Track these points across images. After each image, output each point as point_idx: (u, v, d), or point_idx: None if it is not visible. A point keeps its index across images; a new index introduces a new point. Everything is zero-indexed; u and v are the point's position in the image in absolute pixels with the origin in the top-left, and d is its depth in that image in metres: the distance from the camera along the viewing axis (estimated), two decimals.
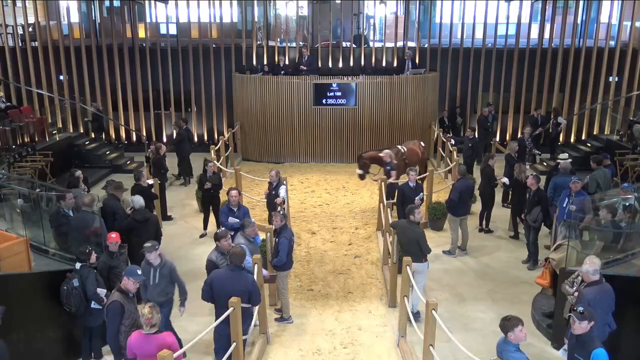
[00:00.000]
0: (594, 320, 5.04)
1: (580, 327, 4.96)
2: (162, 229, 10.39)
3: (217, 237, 6.94)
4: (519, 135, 14.55)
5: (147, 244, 6.63)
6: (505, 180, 10.84)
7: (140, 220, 8.11)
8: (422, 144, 12.91)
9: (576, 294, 6.20)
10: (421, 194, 9.95)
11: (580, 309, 5.01)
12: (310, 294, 8.54)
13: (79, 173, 10.15)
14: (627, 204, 7.94)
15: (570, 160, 10.54)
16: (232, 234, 8.20)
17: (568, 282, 6.41)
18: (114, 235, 7.05)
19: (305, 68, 16.02)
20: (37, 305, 6.53)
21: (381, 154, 11.57)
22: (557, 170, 10.53)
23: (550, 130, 15.58)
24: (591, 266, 5.92)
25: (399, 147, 12.30)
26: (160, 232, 8.67)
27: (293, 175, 14.54)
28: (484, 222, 11.22)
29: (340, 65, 17.41)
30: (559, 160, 10.51)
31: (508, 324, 4.91)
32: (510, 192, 10.99)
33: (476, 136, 14.85)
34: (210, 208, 10.80)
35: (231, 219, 8.42)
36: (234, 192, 8.59)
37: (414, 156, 12.21)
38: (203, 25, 17.24)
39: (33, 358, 6.42)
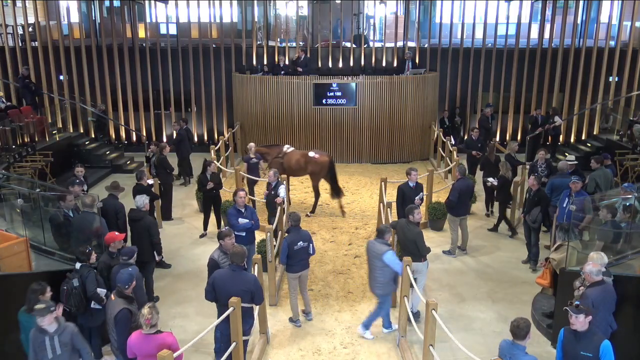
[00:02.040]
0: (591, 315, 5.05)
1: (577, 321, 4.98)
2: (161, 228, 10.44)
3: (220, 236, 6.88)
4: (533, 161, 11.82)
5: (40, 306, 5.21)
6: (493, 180, 10.95)
7: (132, 219, 8.13)
8: (312, 155, 11.87)
9: (582, 288, 6.22)
10: (421, 194, 9.93)
11: (577, 302, 5.03)
12: (310, 294, 8.52)
13: (78, 170, 10.14)
14: (627, 204, 7.94)
15: (576, 162, 10.52)
16: (243, 234, 8.18)
17: (579, 279, 6.43)
18: (116, 233, 7.05)
19: (301, 69, 16.05)
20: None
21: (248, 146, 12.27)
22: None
23: (548, 130, 15.57)
24: (594, 267, 5.93)
25: (285, 147, 12.28)
26: (155, 239, 8.08)
27: None
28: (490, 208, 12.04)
29: (340, 65, 17.42)
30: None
31: (524, 327, 4.87)
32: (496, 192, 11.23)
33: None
34: (211, 208, 10.81)
35: (241, 220, 8.26)
36: (242, 193, 8.38)
37: (292, 162, 11.93)
38: (203, 25, 17.25)
39: None
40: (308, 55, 16.67)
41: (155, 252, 8.12)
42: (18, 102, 16.37)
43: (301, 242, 7.49)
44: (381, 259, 7.04)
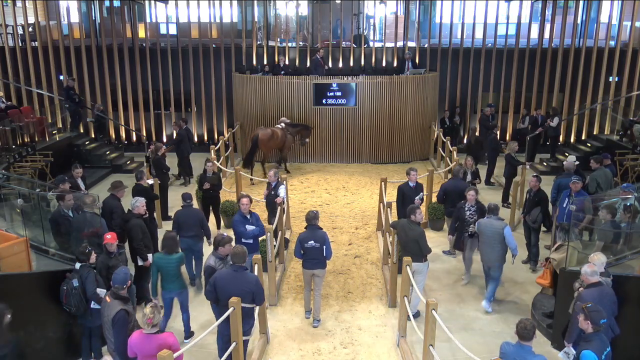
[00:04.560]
0: (589, 318, 5.00)
1: (580, 319, 5.01)
2: (160, 228, 10.43)
3: (219, 243, 6.72)
4: (460, 202, 9.12)
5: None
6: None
7: (123, 220, 8.20)
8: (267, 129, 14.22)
9: (581, 289, 6.21)
10: (421, 194, 9.92)
11: (589, 305, 5.03)
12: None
13: (77, 171, 10.13)
14: (627, 203, 7.94)
15: (577, 162, 10.40)
16: (250, 242, 8.06)
17: (579, 281, 6.43)
18: (109, 236, 7.03)
19: (329, 66, 16.42)
20: (37, 305, 6.53)
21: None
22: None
23: (547, 131, 15.57)
24: (589, 267, 5.90)
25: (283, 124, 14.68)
26: (135, 243, 7.80)
27: (293, 175, 14.55)
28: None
29: (340, 65, 17.42)
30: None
31: (531, 327, 4.85)
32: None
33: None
34: (211, 208, 10.78)
35: (249, 227, 8.10)
36: (245, 200, 8.17)
37: None
38: (203, 25, 17.25)
39: (33, 358, 6.43)
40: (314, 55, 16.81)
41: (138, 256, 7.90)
42: (18, 102, 16.38)
43: (312, 241, 7.47)
44: (502, 234, 7.73)
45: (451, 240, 9.25)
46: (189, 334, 7.48)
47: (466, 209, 8.77)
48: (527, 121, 16.38)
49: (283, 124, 14.65)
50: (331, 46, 17.36)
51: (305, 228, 7.72)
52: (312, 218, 7.63)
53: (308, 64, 17.38)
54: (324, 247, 7.52)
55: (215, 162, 11.39)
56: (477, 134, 15.45)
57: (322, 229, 7.72)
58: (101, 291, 6.41)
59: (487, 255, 8.00)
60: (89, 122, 17.03)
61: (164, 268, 7.11)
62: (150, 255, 7.85)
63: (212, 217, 10.89)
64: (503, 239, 7.78)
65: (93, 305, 6.47)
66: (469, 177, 10.86)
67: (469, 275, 9.00)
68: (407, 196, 9.68)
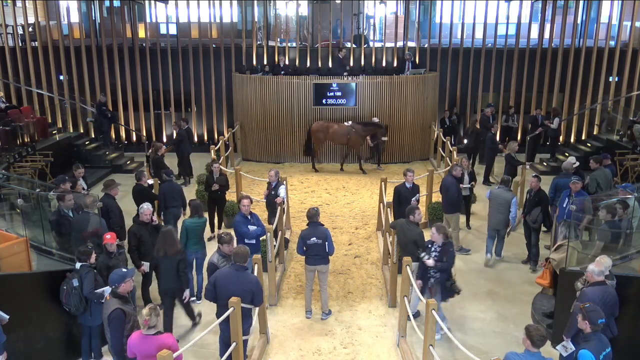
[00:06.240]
0: (587, 318, 5.02)
1: (578, 319, 5.01)
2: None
3: (222, 241, 6.83)
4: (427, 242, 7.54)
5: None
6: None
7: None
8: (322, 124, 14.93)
9: (580, 285, 6.22)
10: (417, 195, 9.90)
11: (587, 305, 5.03)
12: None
13: (79, 171, 10.13)
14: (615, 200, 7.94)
15: (577, 164, 10.27)
16: (253, 242, 8.05)
17: (581, 280, 6.43)
18: (108, 236, 7.02)
19: (348, 68, 16.65)
20: (37, 305, 6.53)
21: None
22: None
23: (548, 131, 15.58)
24: (597, 266, 5.91)
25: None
26: (130, 253, 7.78)
27: (293, 175, 14.54)
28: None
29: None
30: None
31: (546, 334, 4.84)
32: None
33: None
34: (216, 209, 10.74)
35: (251, 227, 8.11)
36: (246, 201, 8.20)
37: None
38: (203, 25, 17.25)
39: (33, 358, 6.43)
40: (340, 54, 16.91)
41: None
42: (18, 102, 16.38)
43: (314, 238, 7.57)
44: (510, 202, 9.15)
45: (419, 286, 7.18)
46: (202, 294, 7.91)
47: (432, 249, 7.18)
48: (515, 119, 16.63)
49: (350, 122, 15.01)
50: (331, 46, 17.36)
51: (307, 225, 7.77)
52: (313, 215, 7.73)
53: (308, 64, 17.40)
54: (326, 243, 7.62)
55: (218, 163, 11.35)
56: (477, 126, 15.61)
57: (323, 225, 7.81)
58: (107, 289, 6.37)
59: (496, 219, 9.36)
60: (88, 121, 17.03)
61: (193, 231, 8.06)
62: (147, 264, 7.76)
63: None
64: (509, 207, 9.16)
65: (96, 301, 6.45)
66: (466, 178, 10.78)
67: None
68: (403, 197, 9.68)
